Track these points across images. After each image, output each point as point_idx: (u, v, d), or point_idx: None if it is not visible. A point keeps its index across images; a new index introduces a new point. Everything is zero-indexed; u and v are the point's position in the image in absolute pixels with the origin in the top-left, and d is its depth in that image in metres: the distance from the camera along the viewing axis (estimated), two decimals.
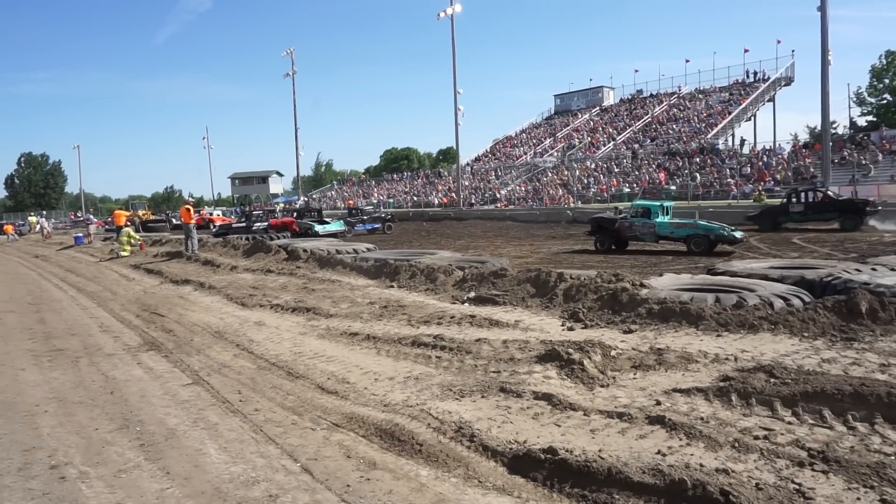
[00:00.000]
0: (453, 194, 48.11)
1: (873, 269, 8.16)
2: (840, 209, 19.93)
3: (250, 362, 5.99)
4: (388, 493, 3.20)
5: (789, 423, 3.78)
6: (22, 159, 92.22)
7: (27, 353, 6.88)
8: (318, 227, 26.32)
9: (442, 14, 40.68)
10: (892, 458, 3.24)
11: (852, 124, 52.77)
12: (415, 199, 53.02)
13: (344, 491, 3.26)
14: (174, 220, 39.82)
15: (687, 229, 15.31)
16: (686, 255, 14.80)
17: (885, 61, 51.03)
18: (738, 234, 14.85)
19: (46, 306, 10.50)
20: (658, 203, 16.64)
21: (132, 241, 20.36)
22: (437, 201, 50.27)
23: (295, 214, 29.63)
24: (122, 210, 30.36)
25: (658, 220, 15.66)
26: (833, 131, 44.13)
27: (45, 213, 57.64)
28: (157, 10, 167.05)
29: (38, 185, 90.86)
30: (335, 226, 27.46)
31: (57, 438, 4.24)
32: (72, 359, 6.53)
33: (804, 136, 52.46)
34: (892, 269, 8.17)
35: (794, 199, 20.65)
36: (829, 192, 21.09)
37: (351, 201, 52.97)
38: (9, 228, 41.88)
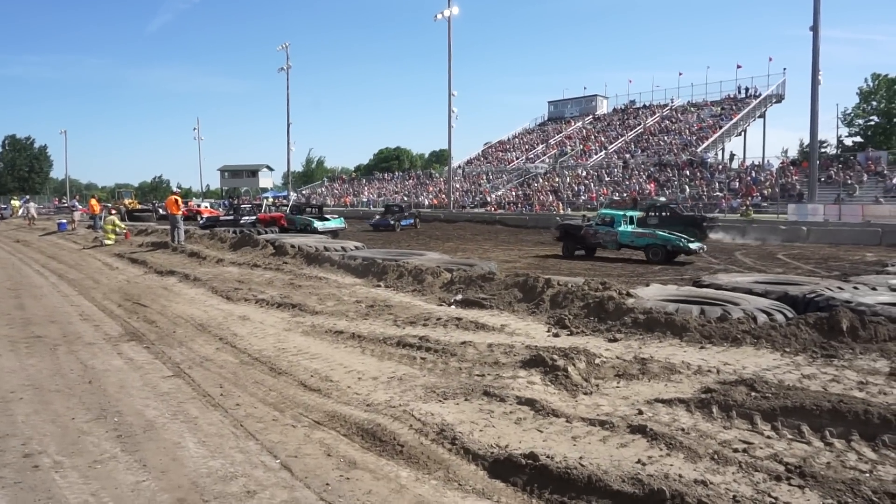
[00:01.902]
0: (444, 196, 48.13)
1: (855, 288, 8.27)
2: (685, 223, 22.35)
3: (233, 356, 5.94)
4: (368, 493, 3.18)
5: (768, 437, 3.81)
6: (6, 142, 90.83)
7: (4, 339, 6.77)
8: (318, 224, 25.32)
9: (439, 16, 40.76)
10: (867, 475, 3.27)
11: (839, 144, 53.57)
12: (405, 199, 52.97)
13: (323, 489, 3.23)
14: (161, 210, 39.46)
15: (646, 239, 16.20)
16: (673, 266, 14.93)
17: (871, 84, 51.87)
18: (693, 246, 15.61)
19: (26, 292, 10.35)
20: (622, 213, 17.67)
21: (117, 229, 20.14)
22: (427, 202, 50.24)
23: (295, 209, 28.76)
24: (96, 198, 30.06)
25: (620, 229, 16.60)
26: (822, 150, 44.77)
27: (27, 197, 56.87)
28: None
29: (23, 168, 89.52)
30: (335, 223, 26.51)
31: (32, 426, 4.17)
32: (50, 346, 6.44)
33: (794, 153, 53.18)
34: (874, 289, 8.28)
35: (650, 214, 23.44)
36: (676, 209, 24.76)
37: (347, 196, 52.66)
38: None
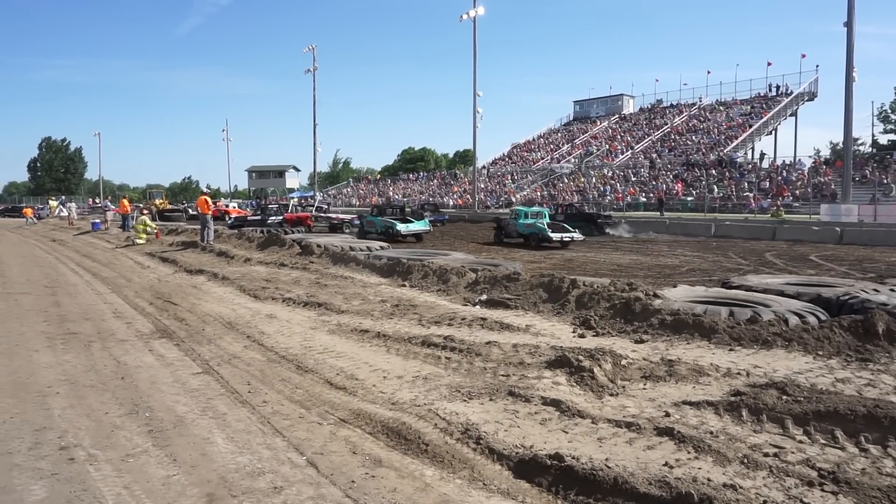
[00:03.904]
0: (468, 196, 48.11)
1: (892, 290, 8.03)
2: (584, 219, 26.60)
3: (260, 354, 6.02)
4: (393, 491, 3.20)
5: (800, 441, 3.73)
6: (43, 144, 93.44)
7: (41, 335, 6.97)
8: (401, 227, 22.58)
9: (465, 16, 40.75)
10: None
11: (874, 143, 52.11)
12: (430, 199, 53.06)
13: (348, 486, 3.26)
14: (191, 210, 40.21)
15: (530, 229, 20.83)
16: (699, 269, 14.73)
17: None
18: (553, 235, 19.89)
19: (62, 290, 10.63)
20: (525, 209, 23.09)
21: (148, 229, 20.58)
22: (451, 203, 50.29)
23: (376, 210, 26.17)
24: (127, 199, 30.89)
25: (519, 221, 21.52)
26: (857, 148, 43.59)
27: (63, 197, 58.43)
28: (180, 2, 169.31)
29: (59, 170, 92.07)
30: (419, 225, 23.55)
31: (67, 420, 4.29)
32: (85, 343, 6.61)
33: (826, 153, 51.91)
34: None
35: (558, 211, 28.05)
36: (580, 208, 31.66)
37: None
38: (28, 212, 42.59)
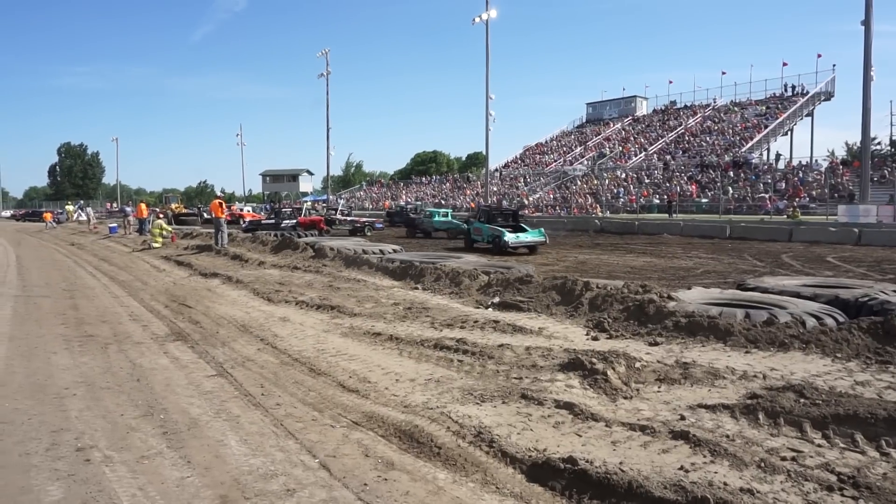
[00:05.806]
0: (481, 199, 48.06)
1: None
2: (504, 217, 28.91)
3: (273, 357, 6.05)
4: (405, 495, 3.19)
5: (819, 445, 3.66)
6: (62, 149, 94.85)
7: (59, 338, 7.06)
8: (510, 237, 18.53)
9: (477, 19, 40.74)
10: None
11: (892, 142, 51.31)
12: (442, 202, 53.14)
13: (361, 489, 3.26)
14: (205, 214, 40.58)
15: (447, 224, 26.55)
16: (714, 271, 14.60)
17: None
18: (463, 226, 22.25)
19: (80, 293, 10.76)
20: (436, 210, 30.24)
21: (164, 233, 20.79)
22: (464, 206, 50.22)
23: (483, 216, 21.79)
24: (144, 203, 31.17)
25: (434, 219, 27.14)
26: (874, 148, 42.97)
27: (82, 202, 59.22)
28: (194, 9, 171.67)
29: (78, 175, 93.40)
30: (532, 235, 19.17)
31: (84, 422, 4.34)
32: (101, 345, 6.68)
33: (841, 153, 51.20)
34: None
35: (483, 210, 30.17)
36: (503, 209, 33.86)
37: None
38: (48, 216, 43.26)
